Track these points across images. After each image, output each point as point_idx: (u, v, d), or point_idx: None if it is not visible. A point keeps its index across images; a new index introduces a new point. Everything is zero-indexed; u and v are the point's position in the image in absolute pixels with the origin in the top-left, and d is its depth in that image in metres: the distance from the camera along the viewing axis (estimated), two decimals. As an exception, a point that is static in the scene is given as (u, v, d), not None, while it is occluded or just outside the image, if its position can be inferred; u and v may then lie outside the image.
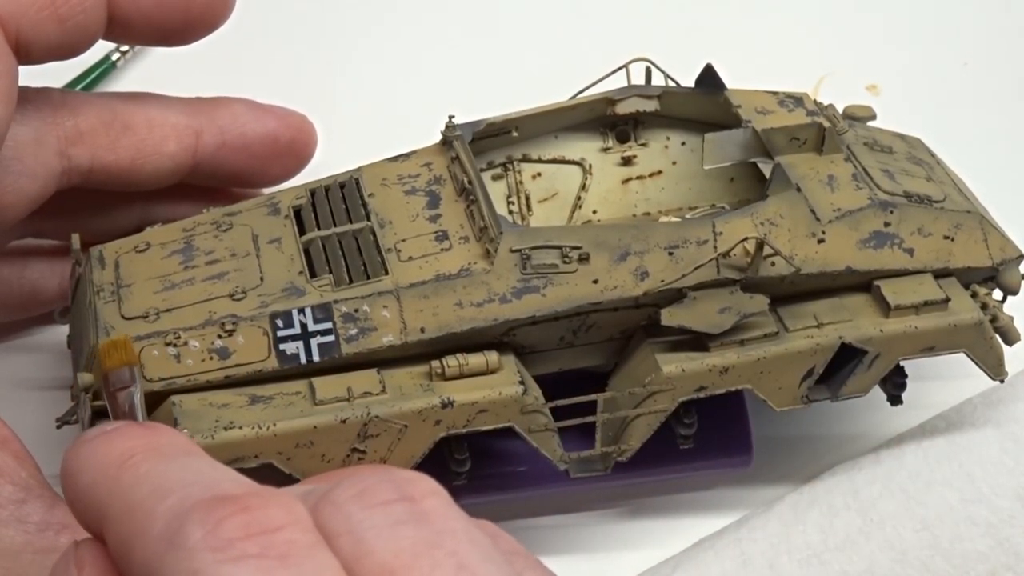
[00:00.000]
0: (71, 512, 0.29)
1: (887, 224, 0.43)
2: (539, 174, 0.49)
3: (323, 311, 0.41)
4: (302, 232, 0.44)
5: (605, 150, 0.49)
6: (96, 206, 0.49)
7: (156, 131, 0.46)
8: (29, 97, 0.44)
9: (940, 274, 0.44)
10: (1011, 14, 0.66)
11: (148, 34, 0.45)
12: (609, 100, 0.48)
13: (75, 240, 0.44)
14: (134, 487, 0.26)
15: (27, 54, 0.42)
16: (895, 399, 0.45)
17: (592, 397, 0.42)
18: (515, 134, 0.48)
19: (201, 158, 0.47)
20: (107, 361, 0.37)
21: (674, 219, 0.46)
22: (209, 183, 0.50)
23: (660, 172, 0.49)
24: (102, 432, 0.30)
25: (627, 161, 0.49)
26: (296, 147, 0.50)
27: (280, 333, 0.40)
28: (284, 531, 0.24)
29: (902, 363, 0.44)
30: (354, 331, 0.41)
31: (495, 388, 0.40)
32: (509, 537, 0.28)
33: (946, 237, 0.44)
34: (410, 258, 0.42)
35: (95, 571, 0.27)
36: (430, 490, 0.26)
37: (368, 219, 0.44)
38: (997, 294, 0.45)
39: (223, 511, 0.25)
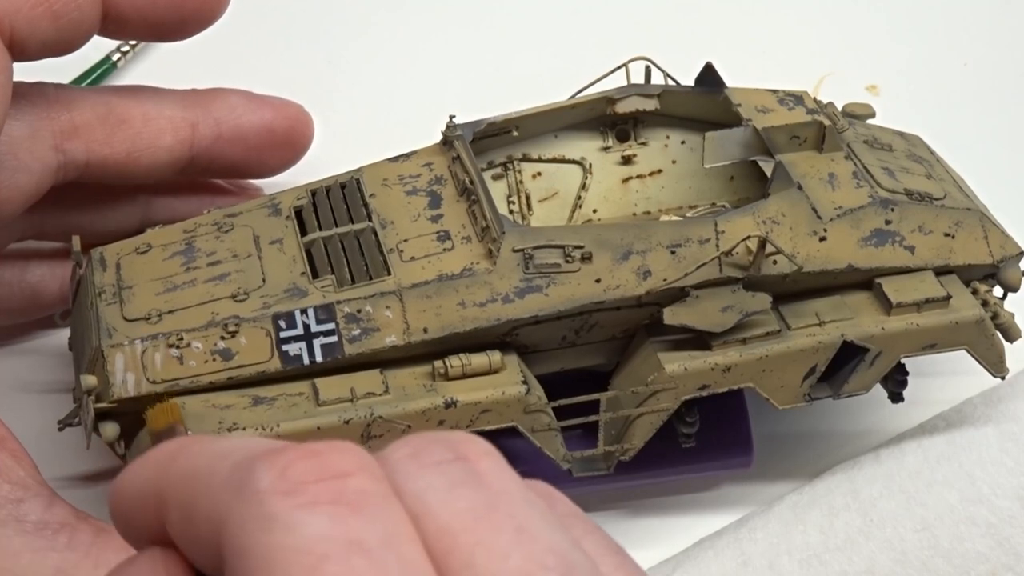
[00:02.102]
0: (117, 530, 0.28)
1: (888, 222, 0.43)
2: (539, 173, 0.49)
3: (326, 312, 0.41)
4: (303, 233, 0.44)
5: (605, 149, 0.49)
6: (95, 202, 0.49)
7: (152, 124, 0.46)
8: (24, 92, 0.44)
9: (941, 271, 0.44)
10: (1011, 14, 0.66)
11: (143, 29, 0.45)
12: (609, 99, 0.48)
13: (76, 242, 0.44)
14: (192, 459, 0.25)
15: (22, 50, 0.42)
16: (896, 396, 0.45)
17: (595, 396, 0.42)
18: (515, 134, 0.48)
19: (198, 150, 0.47)
20: (155, 423, 0.36)
21: (675, 218, 0.46)
22: (206, 175, 0.50)
23: (660, 171, 0.50)
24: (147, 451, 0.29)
25: (627, 160, 0.49)
26: (293, 137, 0.50)
27: (283, 334, 0.40)
28: (355, 478, 0.24)
29: (903, 361, 0.44)
30: (357, 332, 0.41)
31: (498, 388, 0.40)
32: (564, 498, 0.27)
33: (947, 235, 0.44)
34: (412, 258, 0.42)
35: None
36: (483, 450, 0.25)
37: (369, 219, 0.44)
38: (998, 291, 0.45)
39: (291, 455, 0.24)
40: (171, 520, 0.25)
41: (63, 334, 0.49)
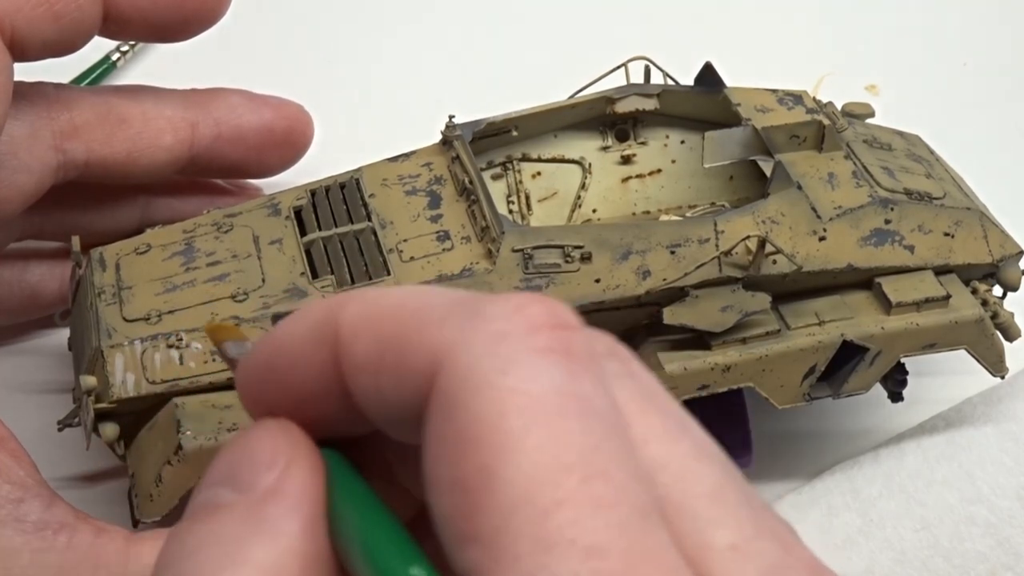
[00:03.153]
0: (241, 386, 0.26)
1: (888, 221, 0.43)
2: (539, 173, 0.49)
3: (325, 311, 0.41)
4: (303, 233, 0.44)
5: (604, 149, 0.49)
6: (95, 202, 0.49)
7: (151, 124, 0.46)
8: (24, 92, 0.44)
9: (940, 271, 0.44)
10: (1011, 14, 0.66)
11: (144, 30, 0.45)
12: (608, 99, 0.48)
13: (75, 242, 0.44)
14: (389, 296, 0.24)
15: (22, 51, 0.42)
16: (896, 396, 0.45)
17: (594, 396, 0.42)
18: (515, 133, 0.48)
19: (197, 150, 0.47)
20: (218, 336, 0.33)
21: (675, 218, 0.46)
22: (206, 175, 0.50)
23: (659, 171, 0.49)
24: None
25: (627, 160, 0.49)
26: (293, 137, 0.50)
27: (282, 334, 0.40)
28: (579, 334, 0.23)
29: (903, 360, 0.44)
30: (356, 331, 0.41)
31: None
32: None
33: (946, 234, 0.44)
34: (412, 258, 0.42)
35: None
36: (631, 354, 0.25)
37: (369, 219, 0.44)
38: (997, 291, 0.45)
39: (520, 298, 0.23)
40: (357, 352, 0.24)
41: (63, 334, 0.48)
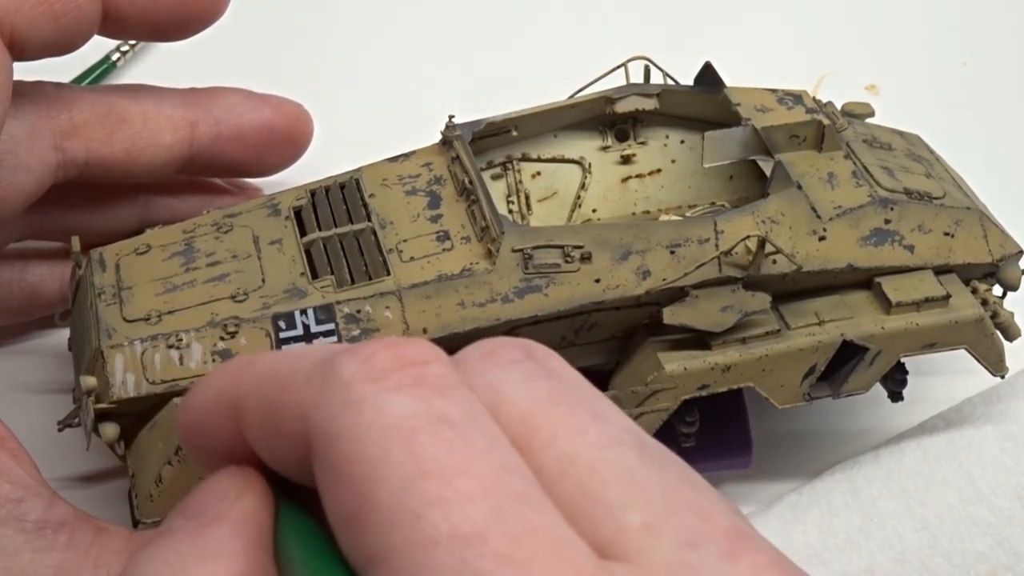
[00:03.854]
0: (187, 450, 0.29)
1: (888, 221, 0.43)
2: (539, 173, 0.49)
3: (325, 312, 0.41)
4: (303, 233, 0.44)
5: (604, 149, 0.49)
6: (95, 202, 0.49)
7: (151, 123, 0.46)
8: (23, 91, 0.44)
9: (940, 271, 0.44)
10: (1011, 14, 0.66)
11: (143, 29, 0.45)
12: (608, 99, 0.48)
13: (75, 243, 0.44)
14: (267, 363, 0.27)
15: (21, 50, 0.42)
16: (896, 396, 0.45)
17: (594, 396, 0.42)
18: (514, 133, 0.48)
19: (197, 149, 0.47)
20: None
21: (675, 218, 0.46)
22: (206, 174, 0.50)
23: (659, 170, 0.50)
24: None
25: (626, 160, 0.49)
26: (292, 136, 0.50)
27: (283, 334, 0.40)
28: (432, 365, 0.25)
29: (903, 360, 0.44)
30: (356, 332, 0.41)
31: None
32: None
33: (946, 234, 0.44)
34: (412, 258, 0.42)
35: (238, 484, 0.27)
36: (550, 352, 0.27)
37: (369, 220, 0.44)
38: (997, 290, 0.45)
39: (372, 347, 0.25)
40: (250, 423, 0.26)
41: (63, 334, 0.48)
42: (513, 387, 0.26)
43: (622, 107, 0.48)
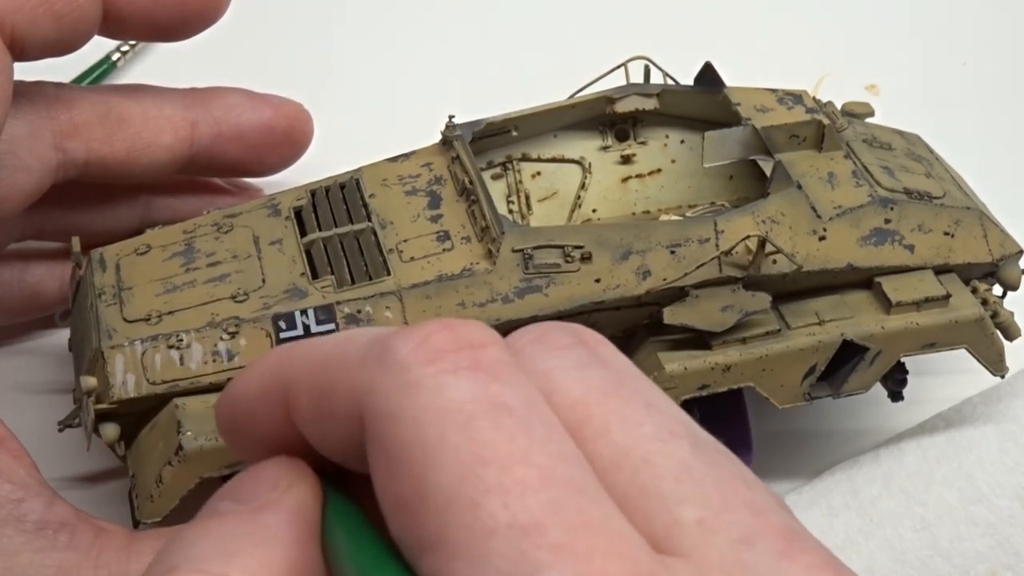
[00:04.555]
0: (221, 434, 0.29)
1: (888, 221, 0.43)
2: (539, 173, 0.49)
3: (325, 312, 0.41)
4: (303, 233, 0.44)
5: (604, 149, 0.49)
6: (95, 202, 0.49)
7: (151, 123, 0.46)
8: (23, 91, 0.44)
9: (940, 270, 0.44)
10: (1011, 14, 0.66)
11: (144, 30, 0.45)
12: (608, 99, 0.48)
13: (75, 243, 0.44)
14: (317, 348, 0.26)
15: (22, 50, 0.42)
16: (896, 395, 0.45)
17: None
18: (514, 133, 0.48)
19: (197, 149, 0.47)
20: None
21: (675, 218, 0.46)
22: (206, 174, 0.50)
23: (659, 170, 0.50)
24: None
25: (626, 159, 0.49)
26: (293, 135, 0.50)
27: (283, 335, 0.40)
28: (489, 348, 0.24)
29: (903, 359, 0.44)
30: (356, 331, 0.41)
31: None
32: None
33: (946, 233, 0.44)
34: (412, 258, 0.42)
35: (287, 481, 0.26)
36: (600, 338, 0.27)
37: (369, 220, 0.44)
38: (997, 290, 0.45)
39: (428, 328, 0.24)
40: (301, 406, 0.26)
41: (63, 334, 0.48)
42: (565, 374, 0.25)
43: (622, 107, 0.48)
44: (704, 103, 0.48)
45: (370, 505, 0.25)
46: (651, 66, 0.49)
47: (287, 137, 0.50)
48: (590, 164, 0.49)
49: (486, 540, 0.22)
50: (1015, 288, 0.45)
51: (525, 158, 0.49)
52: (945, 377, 0.49)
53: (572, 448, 0.24)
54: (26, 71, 0.43)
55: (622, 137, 0.49)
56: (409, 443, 0.23)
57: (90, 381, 0.40)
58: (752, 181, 0.48)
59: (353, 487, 0.26)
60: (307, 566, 0.25)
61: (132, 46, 0.61)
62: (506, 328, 0.41)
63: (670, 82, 0.49)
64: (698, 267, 0.41)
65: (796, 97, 0.47)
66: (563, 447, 0.24)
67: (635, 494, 0.24)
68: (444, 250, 0.42)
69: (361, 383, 0.24)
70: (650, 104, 0.48)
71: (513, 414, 0.23)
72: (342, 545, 0.25)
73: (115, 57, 0.61)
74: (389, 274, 0.42)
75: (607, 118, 0.49)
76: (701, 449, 0.25)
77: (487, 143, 0.48)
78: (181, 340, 0.40)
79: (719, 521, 0.23)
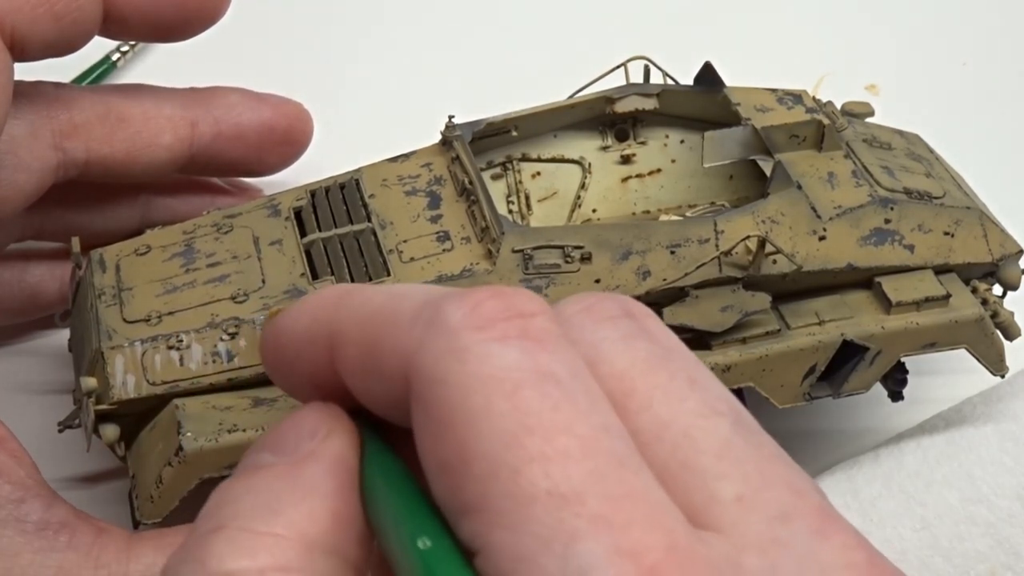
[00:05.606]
0: (272, 376, 0.29)
1: (888, 221, 0.43)
2: (538, 173, 0.49)
3: (325, 312, 0.41)
4: (303, 234, 0.44)
5: (604, 149, 0.49)
6: (95, 202, 0.49)
7: (151, 123, 0.46)
8: (23, 91, 0.44)
9: (940, 270, 0.44)
10: (1011, 14, 0.66)
11: (144, 30, 0.45)
12: (608, 99, 0.48)
13: (75, 243, 0.44)
14: (367, 299, 0.26)
15: (22, 51, 0.42)
16: (896, 395, 0.45)
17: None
18: (514, 134, 0.48)
19: (197, 149, 0.47)
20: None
21: (675, 218, 0.46)
22: (206, 174, 0.50)
23: (659, 170, 0.50)
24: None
25: (626, 159, 0.49)
26: (292, 135, 0.50)
27: (282, 334, 0.40)
28: (538, 318, 0.25)
29: (903, 359, 0.44)
30: (356, 332, 0.41)
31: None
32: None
33: (946, 233, 0.44)
34: (412, 259, 0.42)
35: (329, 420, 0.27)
36: (647, 311, 0.27)
37: (369, 220, 0.44)
38: (997, 290, 0.45)
39: (479, 295, 0.25)
40: (346, 356, 0.26)
41: (63, 334, 0.48)
42: (611, 346, 0.26)
43: (622, 107, 0.48)
44: (704, 103, 0.48)
45: (408, 454, 0.25)
46: (651, 66, 0.49)
47: (287, 137, 0.50)
48: (590, 164, 0.49)
49: (526, 507, 0.22)
50: (1015, 288, 0.45)
51: (525, 158, 0.49)
52: (945, 377, 0.49)
53: (615, 420, 0.24)
54: (26, 71, 0.43)
55: (622, 137, 0.49)
56: (455, 408, 0.23)
57: (90, 382, 0.40)
58: (752, 181, 0.48)
59: (391, 434, 0.27)
60: (349, 514, 0.26)
61: (132, 46, 0.61)
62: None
63: (670, 82, 0.49)
64: (698, 267, 0.41)
65: (796, 97, 0.47)
66: (606, 418, 0.24)
67: (675, 468, 0.24)
68: (444, 250, 0.42)
69: (410, 344, 0.25)
70: (650, 104, 0.48)
71: (559, 384, 0.24)
72: (381, 495, 0.25)
73: (115, 57, 0.61)
74: (389, 274, 0.42)
75: (607, 118, 0.49)
76: (742, 427, 0.25)
77: (487, 143, 0.47)
78: (181, 341, 0.40)
79: (757, 498, 0.24)
